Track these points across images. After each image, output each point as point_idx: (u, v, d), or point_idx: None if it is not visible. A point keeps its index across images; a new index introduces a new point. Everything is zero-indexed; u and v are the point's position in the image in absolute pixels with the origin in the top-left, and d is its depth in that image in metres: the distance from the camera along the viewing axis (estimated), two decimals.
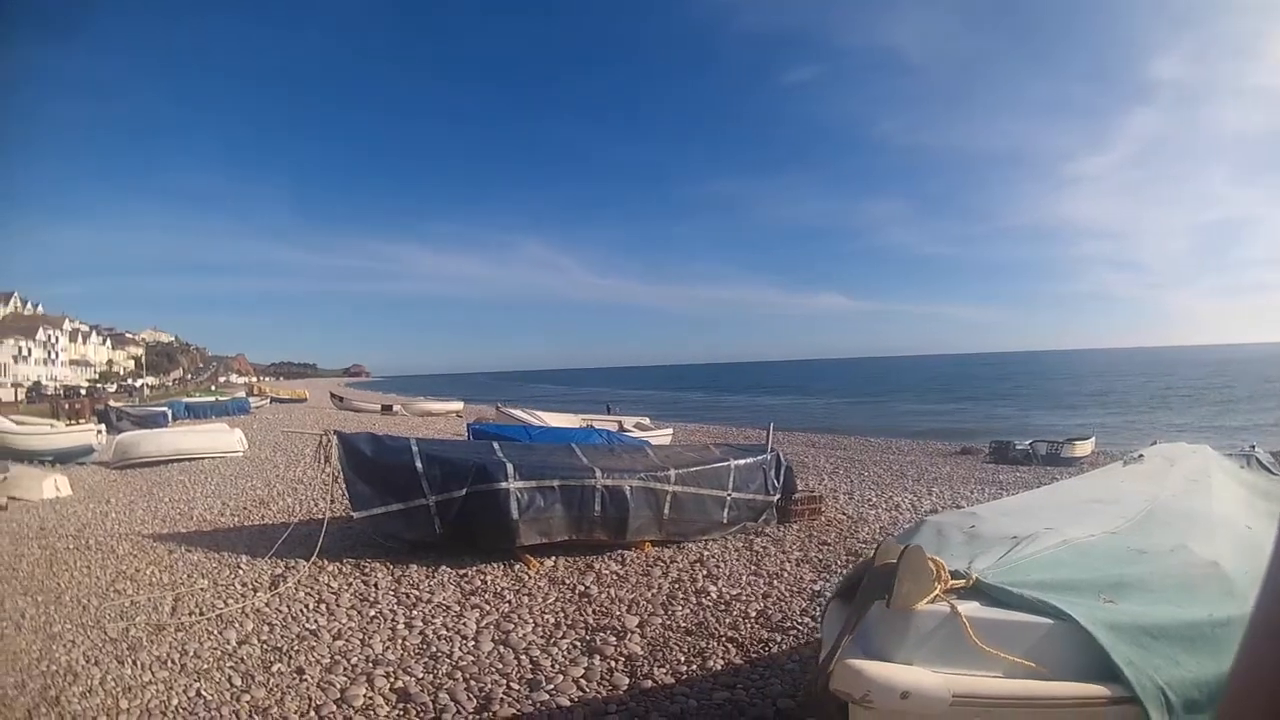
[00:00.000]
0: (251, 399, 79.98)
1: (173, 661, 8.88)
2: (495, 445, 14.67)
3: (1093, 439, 31.19)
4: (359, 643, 9.39)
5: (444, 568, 12.40)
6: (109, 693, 8.14)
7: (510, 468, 13.03)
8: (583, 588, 11.44)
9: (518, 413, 36.56)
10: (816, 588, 11.14)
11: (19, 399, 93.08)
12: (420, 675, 8.40)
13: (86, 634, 9.77)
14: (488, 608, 10.59)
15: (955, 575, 3.99)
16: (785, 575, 11.87)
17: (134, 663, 8.80)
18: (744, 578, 11.77)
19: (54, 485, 21.84)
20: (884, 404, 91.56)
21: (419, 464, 13.16)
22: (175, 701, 7.96)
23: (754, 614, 10.05)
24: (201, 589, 11.77)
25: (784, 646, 8.95)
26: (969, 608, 3.74)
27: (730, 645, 9.00)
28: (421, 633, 9.69)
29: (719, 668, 8.37)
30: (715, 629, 9.53)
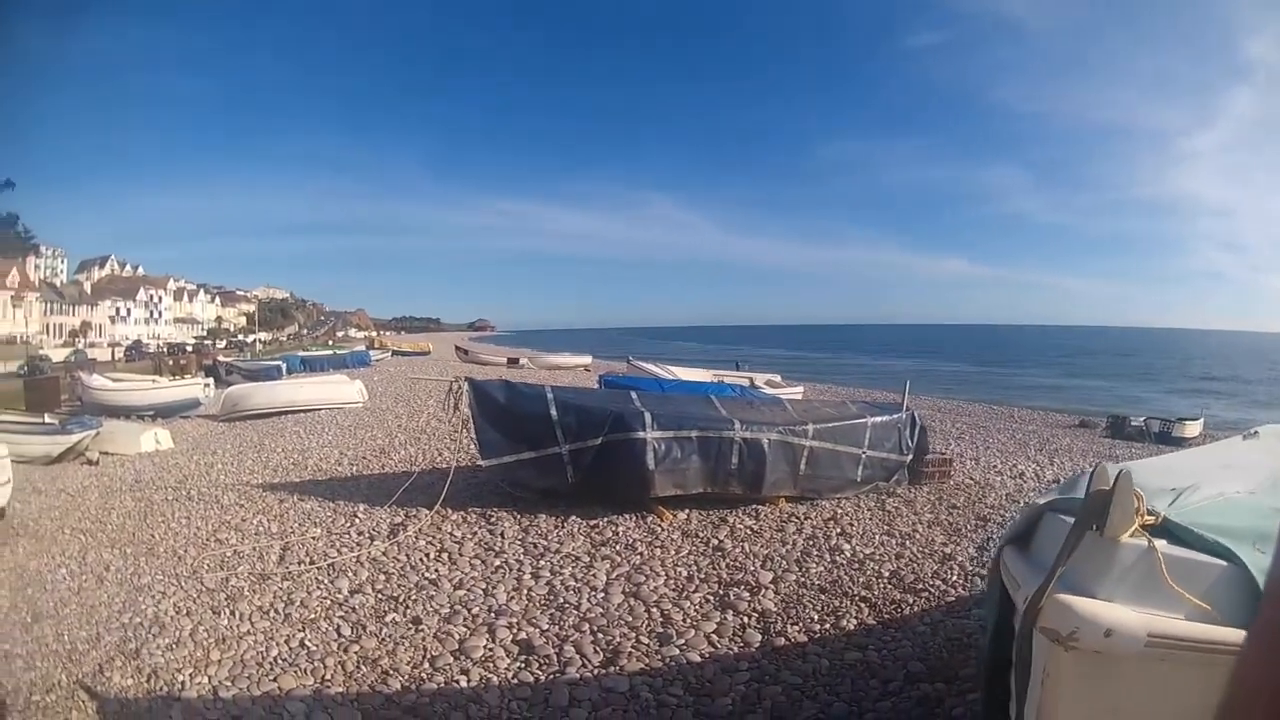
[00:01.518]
0: (372, 352, 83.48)
1: (276, 611, 8.92)
2: (633, 394, 14.71)
3: (1201, 420, 31.51)
4: (482, 593, 9.40)
5: (574, 518, 12.46)
6: (199, 644, 8.10)
7: (648, 417, 13.02)
8: (716, 541, 11.40)
9: (649, 366, 37.37)
10: (948, 550, 11.04)
11: (115, 358, 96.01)
12: (545, 627, 8.36)
13: (180, 585, 9.87)
14: (618, 559, 10.60)
15: (1149, 511, 3.82)
16: (917, 537, 11.77)
17: (232, 613, 8.84)
18: (877, 537, 11.70)
19: (153, 439, 22.64)
20: (1006, 372, 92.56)
21: (554, 411, 13.18)
22: (275, 652, 7.88)
23: (887, 574, 9.97)
24: (313, 538, 11.92)
25: (915, 609, 8.85)
26: (1160, 544, 3.58)
27: (863, 605, 8.91)
28: (549, 584, 9.69)
29: (851, 627, 8.29)
30: (849, 588, 9.44)
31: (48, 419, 23.34)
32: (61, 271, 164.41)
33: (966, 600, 9.08)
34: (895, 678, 7.04)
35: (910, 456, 15.14)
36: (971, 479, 16.54)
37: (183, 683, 7.30)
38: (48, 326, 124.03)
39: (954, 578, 9.85)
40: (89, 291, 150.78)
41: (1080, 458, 21.39)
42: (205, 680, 7.34)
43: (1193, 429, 29.35)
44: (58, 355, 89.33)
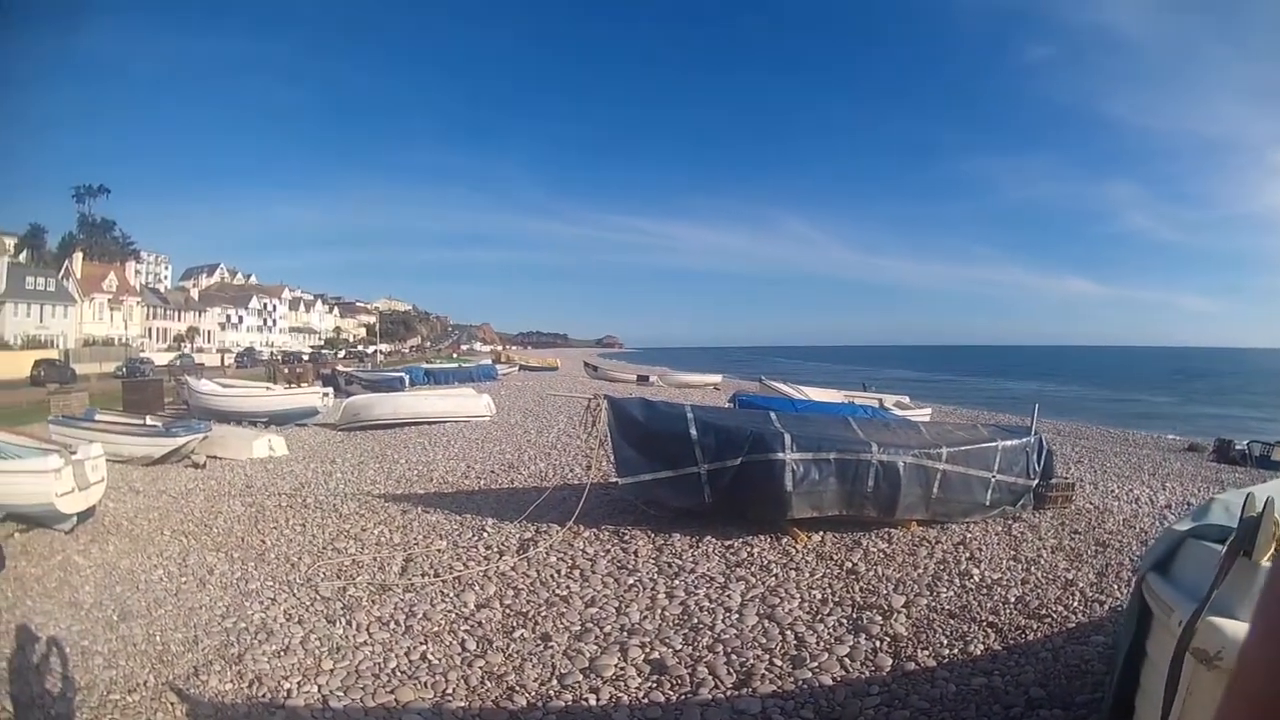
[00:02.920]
0: (499, 366, 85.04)
1: (396, 623, 9.10)
2: (772, 415, 14.90)
3: None
4: (614, 611, 9.56)
5: (709, 538, 12.62)
6: (310, 652, 8.24)
7: (788, 438, 13.13)
8: (850, 564, 11.51)
9: (782, 386, 37.74)
10: (1069, 576, 11.04)
11: (225, 364, 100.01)
12: (678, 647, 8.48)
13: (292, 592, 10.14)
14: (753, 580, 10.72)
15: None
16: (1042, 562, 11.77)
17: (348, 623, 9.03)
18: (1004, 562, 11.73)
19: (267, 445, 23.44)
20: (1120, 394, 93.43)
21: (694, 431, 13.41)
22: (394, 664, 7.98)
23: (1013, 599, 10.02)
24: (439, 550, 12.20)
25: (1038, 634, 8.89)
26: None
27: (990, 630, 8.98)
28: (683, 603, 9.83)
29: (978, 652, 8.35)
30: (977, 613, 9.50)
31: (149, 421, 24.14)
32: (165, 277, 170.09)
33: (1086, 626, 9.10)
34: (1017, 703, 7.13)
35: (1036, 481, 15.09)
36: (1091, 504, 16.50)
37: (289, 690, 7.39)
38: (150, 330, 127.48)
39: (1075, 603, 9.87)
40: (196, 298, 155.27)
41: (1190, 482, 21.54)
42: (314, 689, 7.41)
43: None
44: (160, 359, 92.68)
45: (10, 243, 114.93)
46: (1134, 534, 13.43)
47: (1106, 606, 9.68)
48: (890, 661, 8.02)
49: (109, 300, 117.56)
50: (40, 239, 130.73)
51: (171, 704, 7.16)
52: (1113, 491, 18.53)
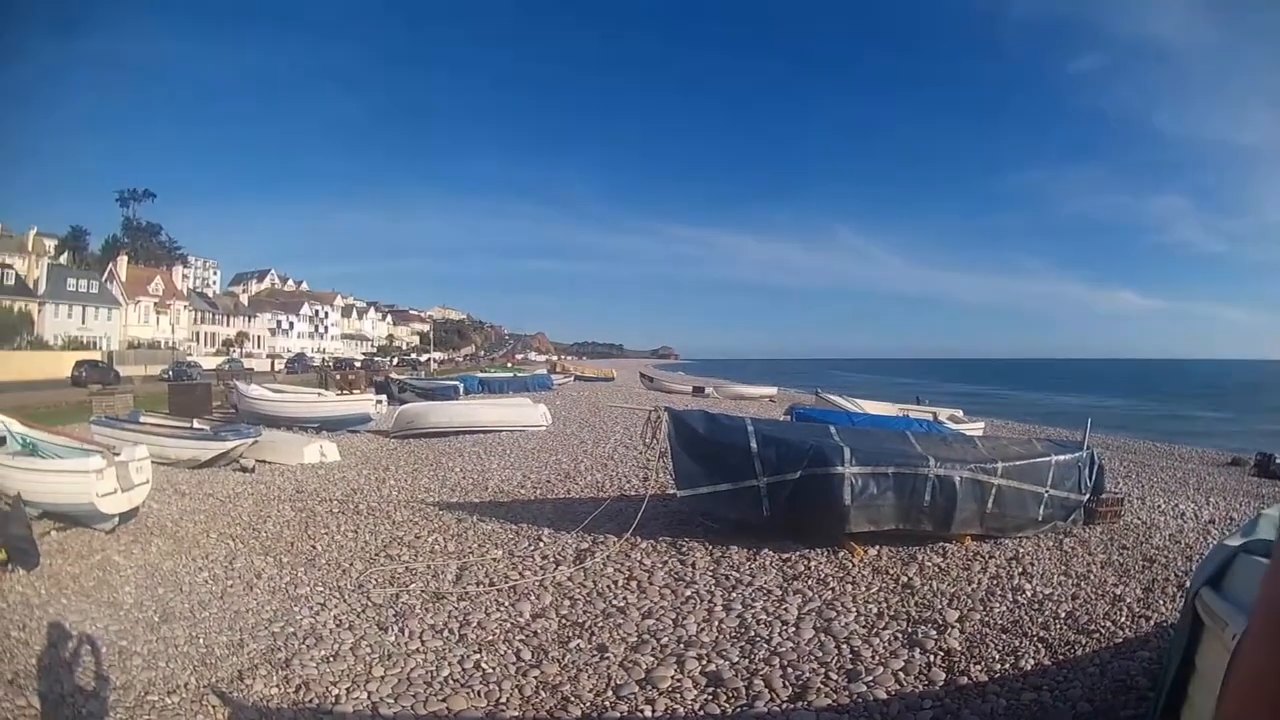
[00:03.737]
0: (554, 376, 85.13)
1: (450, 631, 9.22)
2: (832, 429, 15.05)
3: None
4: (671, 623, 9.67)
5: (766, 551, 12.78)
6: (360, 659, 8.36)
7: (847, 452, 13.31)
8: (905, 578, 11.64)
9: (838, 399, 37.88)
10: (1118, 592, 11.17)
11: (275, 369, 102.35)
12: (735, 659, 8.59)
13: (343, 598, 10.29)
14: (810, 594, 10.86)
15: None
16: (1091, 577, 11.88)
17: (400, 630, 9.17)
18: (1055, 577, 11.83)
19: (318, 451, 23.81)
20: (1166, 408, 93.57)
21: (754, 444, 13.55)
22: (446, 672, 8.08)
23: (1063, 615, 10.13)
24: (494, 559, 12.37)
25: (1087, 649, 9.01)
26: None
27: (1040, 645, 9.09)
28: (740, 616, 9.95)
29: (1029, 667, 8.47)
30: (1028, 628, 9.60)
31: (197, 424, 24.58)
32: (214, 282, 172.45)
33: (1132, 642, 9.23)
34: (1064, 718, 7.26)
35: (1087, 496, 15.20)
36: (1139, 519, 16.66)
37: (337, 696, 7.48)
38: (197, 334, 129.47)
39: (1122, 619, 9.99)
40: (245, 303, 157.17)
41: (1233, 497, 21.62)
42: (364, 695, 7.50)
43: None
44: (208, 363, 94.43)
45: (51, 244, 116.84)
46: (1179, 549, 13.60)
47: (1152, 622, 9.81)
48: (943, 676, 8.15)
49: (155, 304, 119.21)
50: (82, 241, 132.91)
51: (213, 707, 7.25)
52: (1159, 506, 18.70)
